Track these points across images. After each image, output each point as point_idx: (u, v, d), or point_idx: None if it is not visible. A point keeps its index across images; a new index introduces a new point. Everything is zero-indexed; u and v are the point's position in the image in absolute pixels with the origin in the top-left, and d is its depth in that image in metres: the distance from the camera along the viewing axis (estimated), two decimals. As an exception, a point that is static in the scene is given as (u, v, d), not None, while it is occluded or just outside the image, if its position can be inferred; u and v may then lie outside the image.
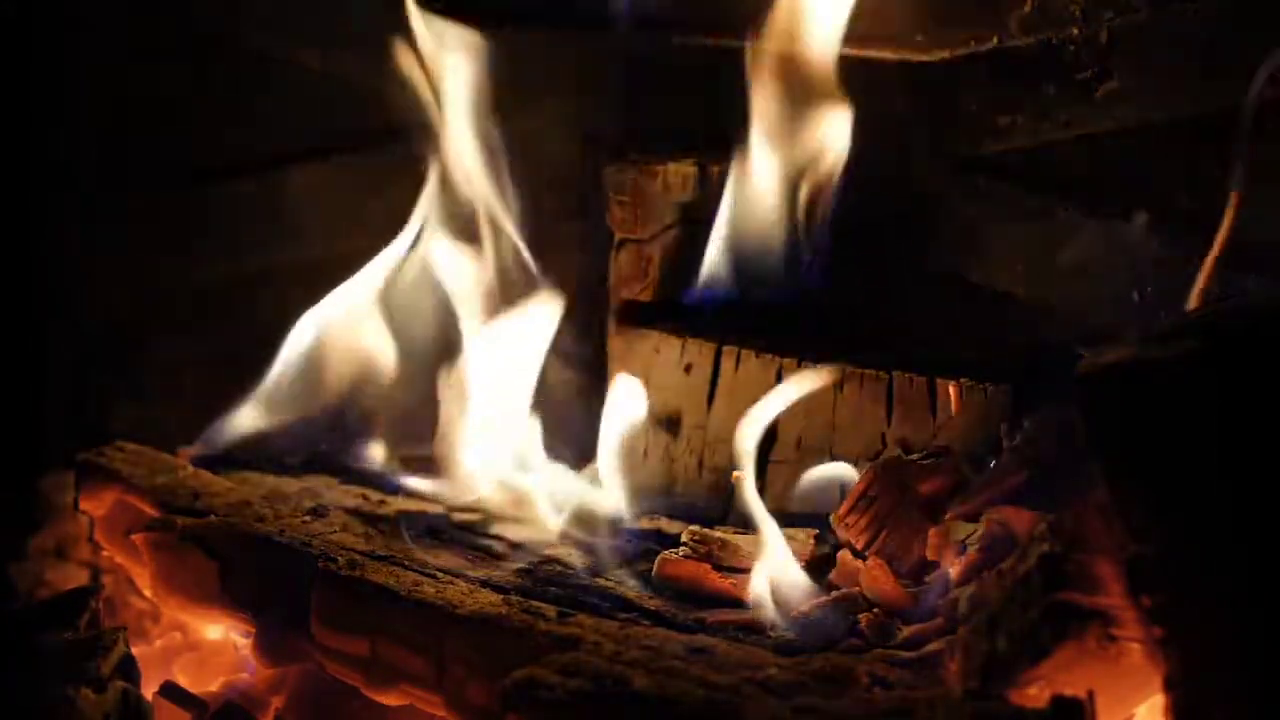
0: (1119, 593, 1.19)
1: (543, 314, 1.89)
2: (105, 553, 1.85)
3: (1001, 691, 1.20)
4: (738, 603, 1.56)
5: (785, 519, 1.72)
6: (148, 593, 1.74)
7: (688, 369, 1.94)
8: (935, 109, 1.94)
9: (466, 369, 1.90)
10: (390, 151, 2.08)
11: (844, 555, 1.61)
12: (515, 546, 1.71)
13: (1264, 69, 1.54)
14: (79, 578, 1.97)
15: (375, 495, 1.87)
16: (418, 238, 1.99)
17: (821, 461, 1.84)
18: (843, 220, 1.90)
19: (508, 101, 1.97)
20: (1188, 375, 1.10)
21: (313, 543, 1.63)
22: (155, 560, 1.69)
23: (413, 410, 1.98)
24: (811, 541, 1.66)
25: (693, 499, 1.87)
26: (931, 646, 1.39)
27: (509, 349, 1.89)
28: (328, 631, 1.55)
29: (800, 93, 1.86)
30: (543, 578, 1.61)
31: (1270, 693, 1.08)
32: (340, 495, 1.86)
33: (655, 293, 2.01)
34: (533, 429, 1.87)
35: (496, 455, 1.85)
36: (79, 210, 2.16)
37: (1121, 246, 1.80)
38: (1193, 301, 1.56)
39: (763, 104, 1.87)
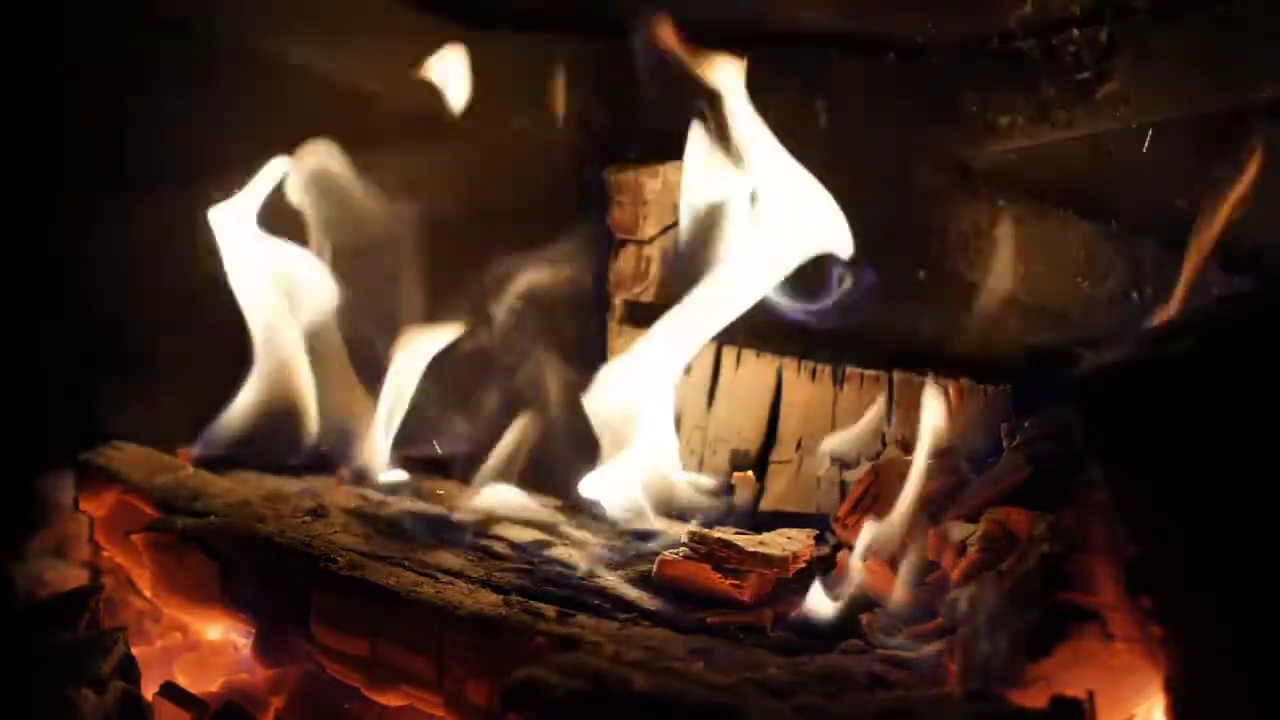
0: (1118, 593, 1.19)
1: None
2: (105, 553, 1.85)
3: (1001, 691, 1.20)
4: (738, 603, 1.56)
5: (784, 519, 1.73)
6: (148, 593, 1.74)
7: (688, 369, 1.94)
8: (935, 109, 1.94)
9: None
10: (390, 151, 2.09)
11: (844, 555, 1.62)
12: (515, 546, 1.71)
13: None
14: (79, 578, 1.97)
15: (375, 495, 1.87)
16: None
17: (821, 461, 1.84)
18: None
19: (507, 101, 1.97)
20: (1185, 376, 1.10)
21: (313, 543, 1.63)
22: (155, 560, 1.69)
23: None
24: (811, 541, 1.66)
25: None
26: (931, 647, 1.39)
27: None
28: (328, 631, 1.55)
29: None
30: (543, 578, 1.61)
31: (1270, 693, 1.08)
32: (340, 495, 1.86)
33: (655, 293, 2.02)
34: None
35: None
36: (79, 210, 2.15)
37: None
38: (1174, 306, 1.55)
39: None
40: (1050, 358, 1.82)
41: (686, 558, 1.59)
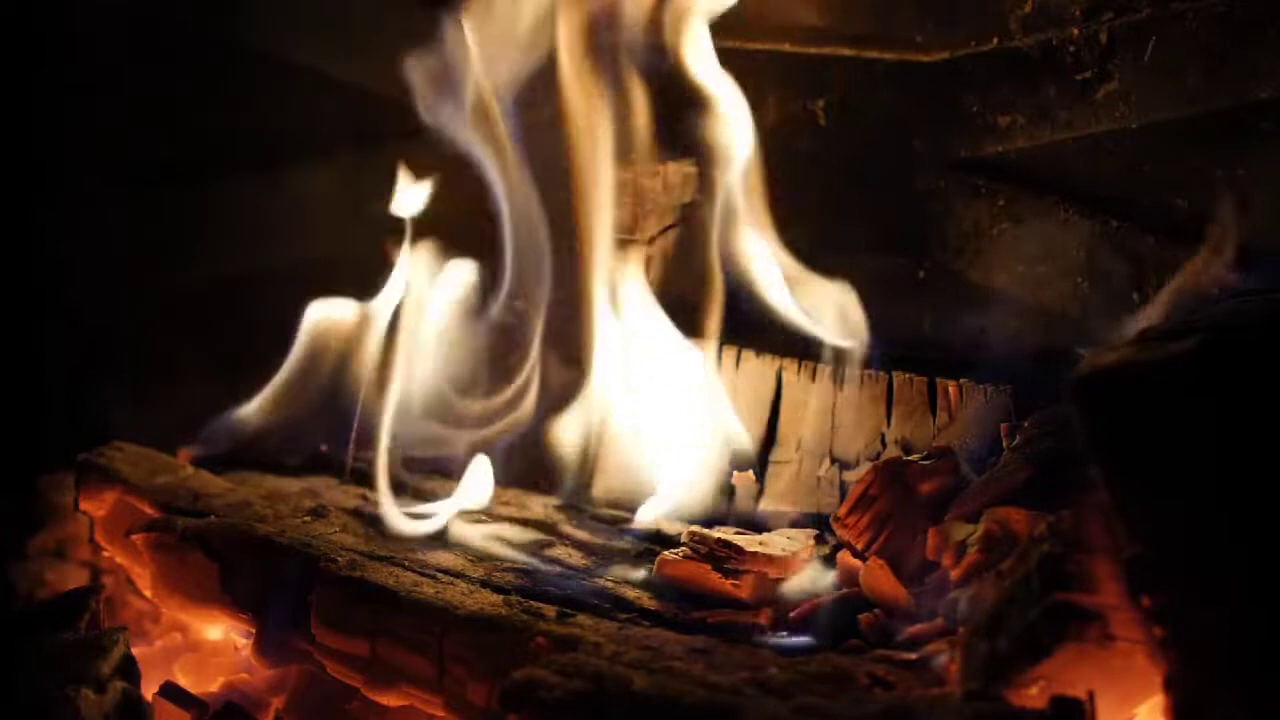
0: (1118, 593, 1.19)
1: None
2: (105, 553, 1.85)
3: (1001, 691, 1.20)
4: (738, 603, 1.56)
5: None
6: (148, 593, 1.74)
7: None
8: (935, 109, 1.94)
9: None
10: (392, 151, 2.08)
11: (844, 555, 1.61)
12: (515, 546, 1.71)
13: None
14: (79, 578, 1.97)
15: (374, 495, 1.87)
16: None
17: (822, 462, 1.84)
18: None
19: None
20: (1185, 376, 1.11)
21: (313, 543, 1.63)
22: (155, 560, 1.69)
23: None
24: (811, 541, 1.66)
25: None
26: (931, 646, 1.39)
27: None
28: (328, 631, 1.55)
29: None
30: (543, 578, 1.61)
31: (1270, 693, 1.08)
32: (340, 495, 1.86)
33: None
34: None
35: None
36: (79, 210, 2.15)
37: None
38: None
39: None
40: (1050, 358, 1.82)
41: (686, 558, 1.59)
